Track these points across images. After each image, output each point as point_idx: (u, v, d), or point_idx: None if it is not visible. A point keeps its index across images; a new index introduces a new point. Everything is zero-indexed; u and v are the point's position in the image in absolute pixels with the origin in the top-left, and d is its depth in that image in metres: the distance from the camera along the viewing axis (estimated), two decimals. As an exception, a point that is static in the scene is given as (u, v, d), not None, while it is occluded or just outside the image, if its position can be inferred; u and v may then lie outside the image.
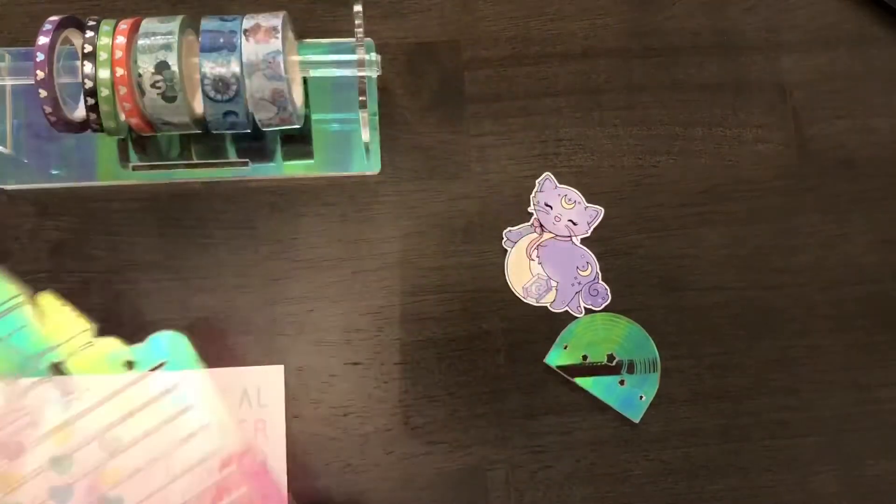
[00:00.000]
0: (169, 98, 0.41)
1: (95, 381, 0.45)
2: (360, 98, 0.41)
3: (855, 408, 0.47)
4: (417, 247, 0.47)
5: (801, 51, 0.51)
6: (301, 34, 0.48)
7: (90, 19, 0.41)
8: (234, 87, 0.41)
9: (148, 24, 0.41)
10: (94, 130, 0.42)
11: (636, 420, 0.46)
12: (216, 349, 0.46)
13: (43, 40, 0.40)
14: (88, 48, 0.40)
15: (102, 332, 0.45)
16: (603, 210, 0.48)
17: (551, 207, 0.48)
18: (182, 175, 0.47)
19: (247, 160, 0.47)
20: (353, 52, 0.42)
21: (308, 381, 0.46)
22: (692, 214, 0.49)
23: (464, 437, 0.46)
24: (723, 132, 0.50)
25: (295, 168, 0.47)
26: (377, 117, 0.48)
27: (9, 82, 0.42)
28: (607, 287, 0.47)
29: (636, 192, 0.49)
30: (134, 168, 0.46)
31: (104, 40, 0.40)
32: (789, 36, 0.51)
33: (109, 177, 0.47)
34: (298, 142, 0.47)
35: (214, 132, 0.44)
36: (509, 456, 0.46)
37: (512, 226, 0.48)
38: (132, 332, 0.46)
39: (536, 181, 0.48)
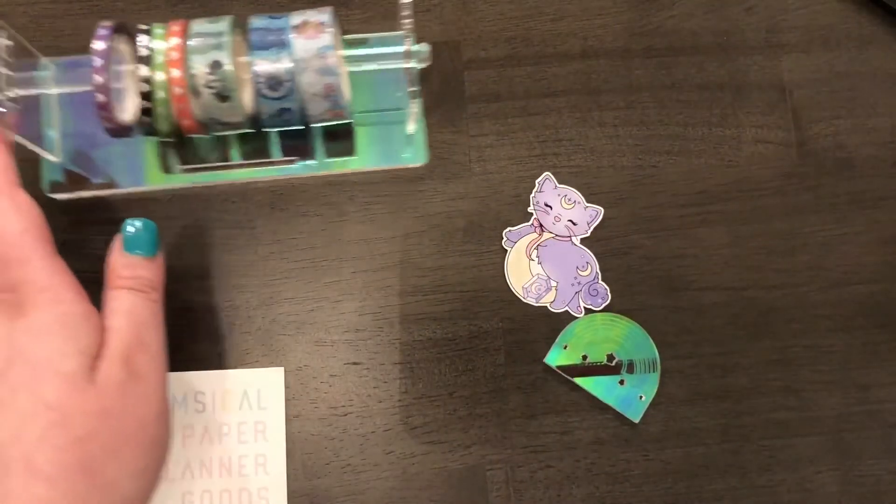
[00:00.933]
0: (223, 97, 0.41)
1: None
2: (411, 89, 0.42)
3: (855, 408, 0.47)
4: (417, 247, 0.48)
5: (801, 51, 0.51)
6: (301, 34, 0.48)
7: (140, 25, 0.41)
8: (288, 84, 0.41)
9: (197, 25, 0.41)
10: (146, 134, 0.43)
11: (636, 420, 0.46)
12: (216, 349, 0.46)
13: (100, 45, 0.39)
14: (144, 51, 0.40)
15: (102, 332, 0.46)
16: (603, 210, 0.48)
17: (551, 207, 0.48)
18: (229, 176, 0.47)
19: (294, 158, 0.47)
20: (392, 45, 0.42)
21: (308, 381, 0.46)
22: (692, 214, 0.49)
23: (464, 437, 0.46)
24: (723, 132, 0.50)
25: (339, 164, 0.47)
26: (421, 109, 0.48)
27: (55, 91, 0.41)
28: (607, 287, 0.47)
29: (636, 192, 0.49)
30: (183, 171, 0.46)
31: (158, 43, 0.41)
32: (789, 36, 0.51)
33: (158, 181, 0.46)
34: (340, 138, 0.47)
35: (264, 130, 0.45)
36: (509, 456, 0.46)
37: (512, 226, 0.48)
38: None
39: (536, 181, 0.48)
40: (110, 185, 0.46)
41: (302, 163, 0.47)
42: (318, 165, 0.47)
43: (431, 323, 0.47)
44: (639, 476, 0.46)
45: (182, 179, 0.46)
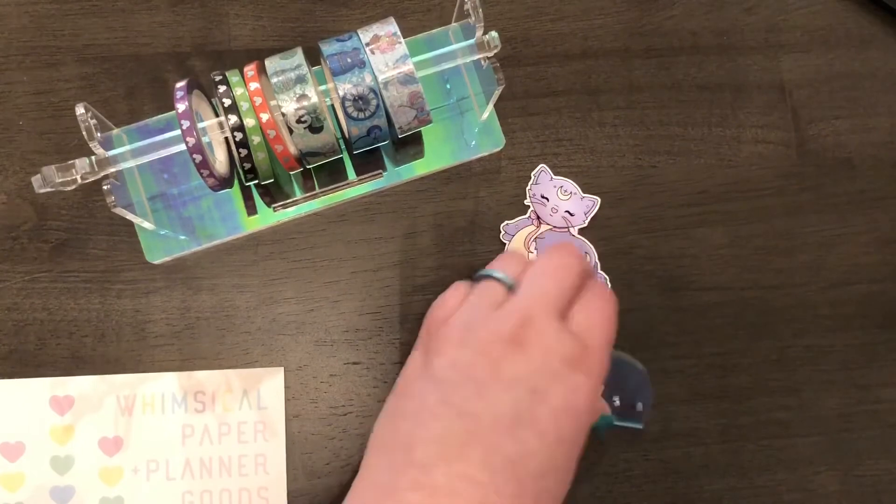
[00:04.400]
0: (316, 129, 0.41)
1: (96, 382, 0.45)
2: (497, 77, 0.41)
3: (855, 408, 0.47)
4: (417, 247, 0.48)
5: (801, 51, 0.51)
6: (301, 35, 0.48)
7: (214, 75, 0.41)
8: (375, 102, 0.41)
9: (272, 63, 0.41)
10: (249, 180, 0.43)
11: (641, 427, 0.45)
12: (216, 350, 0.46)
13: (182, 107, 0.39)
14: (227, 101, 0.40)
15: (102, 335, 0.46)
16: (599, 200, 0.48)
17: (547, 199, 0.48)
18: (317, 205, 0.47)
19: (380, 171, 0.47)
20: (442, 40, 0.43)
21: (308, 381, 0.46)
22: (692, 214, 0.49)
23: (464, 437, 0.46)
24: (723, 132, 0.50)
25: (414, 169, 0.47)
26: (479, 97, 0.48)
27: (132, 163, 0.40)
28: (606, 276, 0.47)
29: (635, 192, 0.49)
30: (276, 208, 0.46)
31: (239, 90, 0.40)
32: (789, 36, 0.51)
33: (254, 224, 0.46)
34: (408, 144, 0.48)
35: (356, 151, 0.45)
36: (509, 456, 0.46)
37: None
38: (132, 332, 0.46)
39: (531, 173, 0.48)
40: (211, 239, 0.46)
41: (385, 174, 0.47)
42: (397, 174, 0.47)
43: (431, 323, 0.47)
44: (639, 476, 0.46)
45: (276, 217, 0.47)
